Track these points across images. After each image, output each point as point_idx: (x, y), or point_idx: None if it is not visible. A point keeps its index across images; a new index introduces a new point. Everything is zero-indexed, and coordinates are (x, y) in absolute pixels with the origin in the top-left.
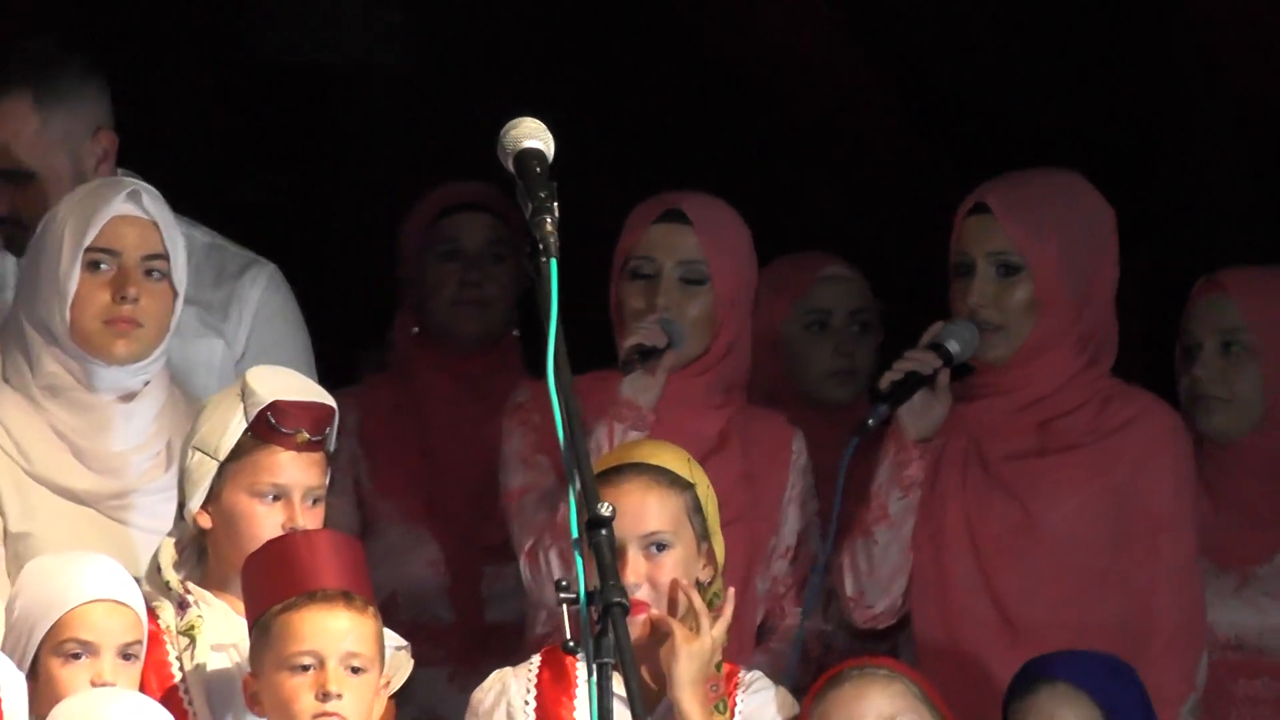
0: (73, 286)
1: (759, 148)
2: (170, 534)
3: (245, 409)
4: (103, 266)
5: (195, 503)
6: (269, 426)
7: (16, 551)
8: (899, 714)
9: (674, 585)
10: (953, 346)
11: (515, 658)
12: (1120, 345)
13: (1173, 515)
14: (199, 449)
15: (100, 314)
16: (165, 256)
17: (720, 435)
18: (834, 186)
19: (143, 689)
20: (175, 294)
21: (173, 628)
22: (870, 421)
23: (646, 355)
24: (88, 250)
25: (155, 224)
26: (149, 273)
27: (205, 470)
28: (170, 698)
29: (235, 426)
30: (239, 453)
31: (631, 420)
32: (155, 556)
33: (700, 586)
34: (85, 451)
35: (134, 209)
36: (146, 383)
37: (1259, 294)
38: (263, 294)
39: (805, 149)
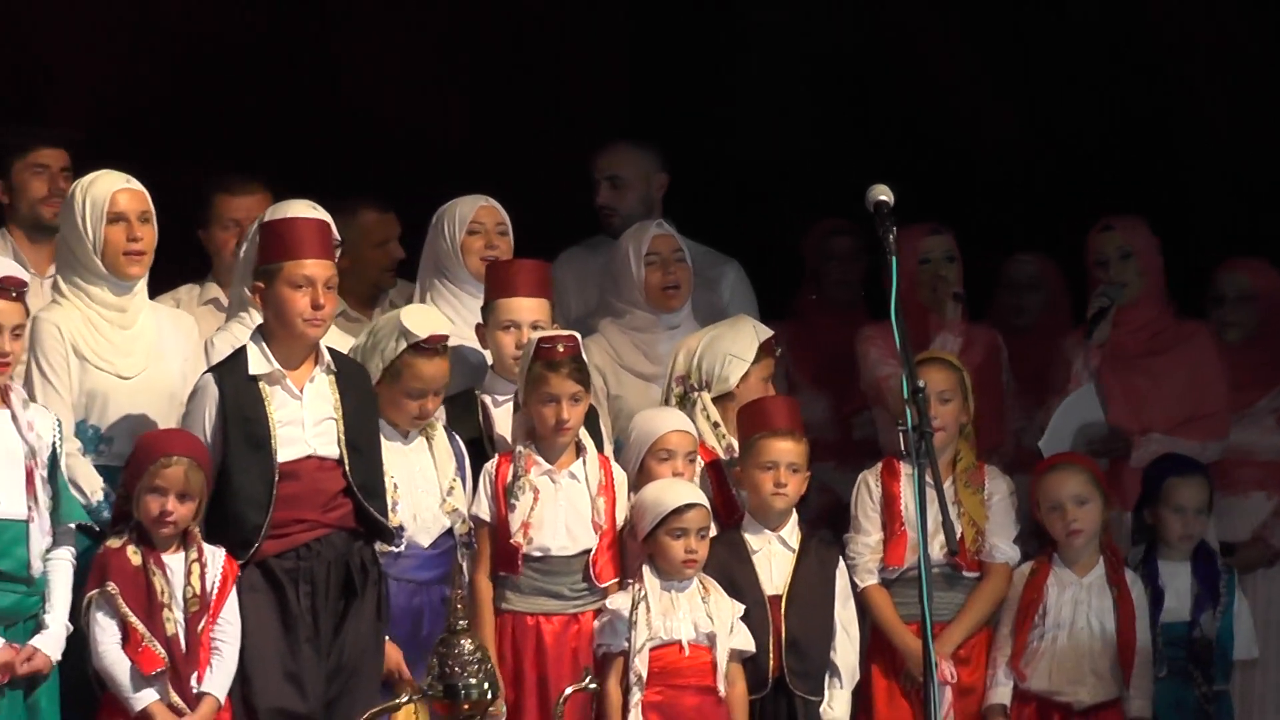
0: (640, 274)
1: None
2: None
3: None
4: (654, 261)
5: (734, 379)
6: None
7: (610, 407)
8: (1085, 490)
9: None
10: (1113, 297)
11: (869, 461)
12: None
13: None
14: (736, 355)
15: (659, 284)
16: (681, 249)
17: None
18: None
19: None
20: (689, 271)
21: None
22: (1091, 335)
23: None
24: (647, 254)
25: (672, 235)
26: (678, 260)
27: (741, 365)
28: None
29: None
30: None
31: (957, 332)
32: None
33: (962, 425)
34: (651, 355)
35: (661, 231)
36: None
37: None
38: (735, 273)
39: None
